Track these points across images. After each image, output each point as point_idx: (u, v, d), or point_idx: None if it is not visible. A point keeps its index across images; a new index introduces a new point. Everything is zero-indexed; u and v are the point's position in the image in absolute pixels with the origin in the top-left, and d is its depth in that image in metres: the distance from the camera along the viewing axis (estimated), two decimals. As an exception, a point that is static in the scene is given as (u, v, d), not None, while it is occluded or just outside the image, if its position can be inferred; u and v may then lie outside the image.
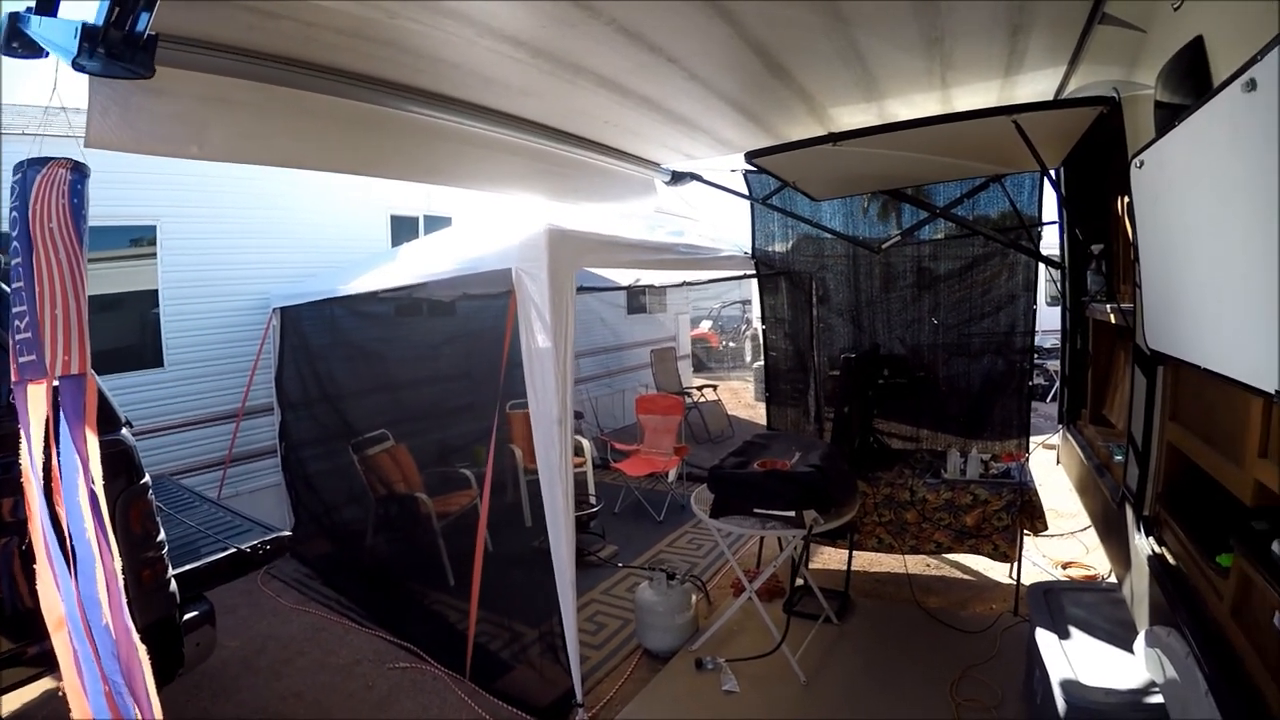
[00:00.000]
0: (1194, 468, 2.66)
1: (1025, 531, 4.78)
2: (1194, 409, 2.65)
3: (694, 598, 4.76)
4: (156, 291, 6.45)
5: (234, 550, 3.75)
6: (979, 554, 4.92)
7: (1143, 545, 2.94)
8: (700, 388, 11.64)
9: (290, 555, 6.12)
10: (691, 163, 5.32)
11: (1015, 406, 5.65)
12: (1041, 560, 5.73)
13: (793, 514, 4.01)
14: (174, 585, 3.24)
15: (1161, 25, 2.45)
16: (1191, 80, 2.13)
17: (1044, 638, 3.29)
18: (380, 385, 6.42)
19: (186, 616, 3.36)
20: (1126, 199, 4.26)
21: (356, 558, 6.22)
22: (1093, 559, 5.71)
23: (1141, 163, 2.48)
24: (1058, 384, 12.25)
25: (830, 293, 5.96)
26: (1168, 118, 2.22)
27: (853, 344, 5.93)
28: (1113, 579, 4.12)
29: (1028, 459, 5.25)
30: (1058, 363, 12.27)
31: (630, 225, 5.88)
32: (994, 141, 3.65)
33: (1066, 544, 6.09)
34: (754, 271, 6.07)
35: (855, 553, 5.27)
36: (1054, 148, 3.85)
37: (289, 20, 2.53)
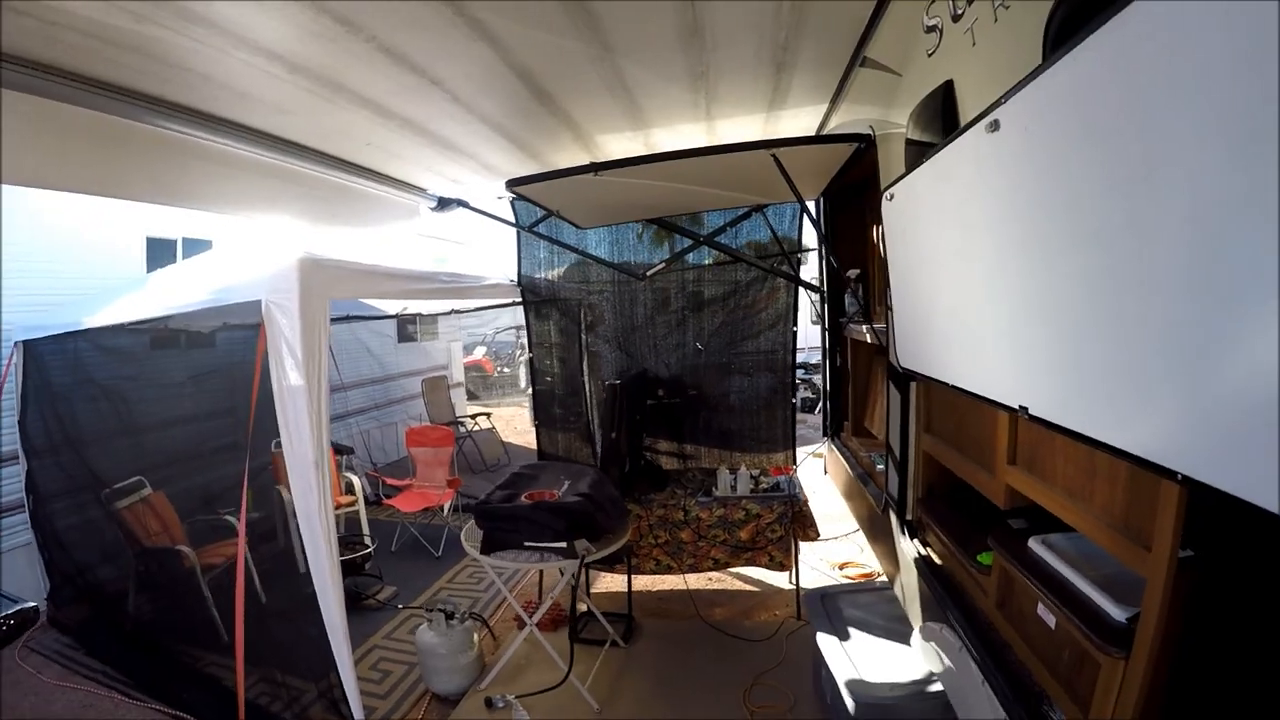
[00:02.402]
0: (949, 474, 2.89)
1: (800, 540, 5.01)
2: (946, 421, 2.89)
3: (476, 636, 4.62)
4: None
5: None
6: (757, 565, 5.11)
7: (909, 548, 3.17)
8: (474, 416, 11.43)
9: (49, 624, 5.58)
10: (458, 188, 5.24)
11: (782, 420, 5.92)
12: (819, 564, 6.04)
13: (564, 545, 3.96)
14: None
15: (916, 69, 2.64)
16: (940, 120, 2.32)
17: (825, 641, 3.45)
18: (134, 427, 5.87)
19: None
20: (880, 228, 4.66)
21: (120, 622, 5.56)
22: (867, 558, 6.08)
23: (892, 195, 2.67)
24: (821, 399, 13.26)
25: (598, 319, 6.01)
26: (917, 154, 2.41)
27: (622, 369, 6.00)
28: (885, 578, 4.40)
29: (796, 471, 5.52)
30: (819, 377, 13.26)
31: (396, 250, 5.71)
32: (756, 174, 3.82)
33: (841, 546, 6.45)
34: (521, 299, 6.03)
35: (637, 575, 5.33)
36: (813, 180, 4.09)
37: (30, 18, 2.29)
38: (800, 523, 4.93)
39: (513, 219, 5.65)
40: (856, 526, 6.21)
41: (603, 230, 5.69)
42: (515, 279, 5.91)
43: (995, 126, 1.68)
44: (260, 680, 4.19)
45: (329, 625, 3.64)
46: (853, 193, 4.85)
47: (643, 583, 5.59)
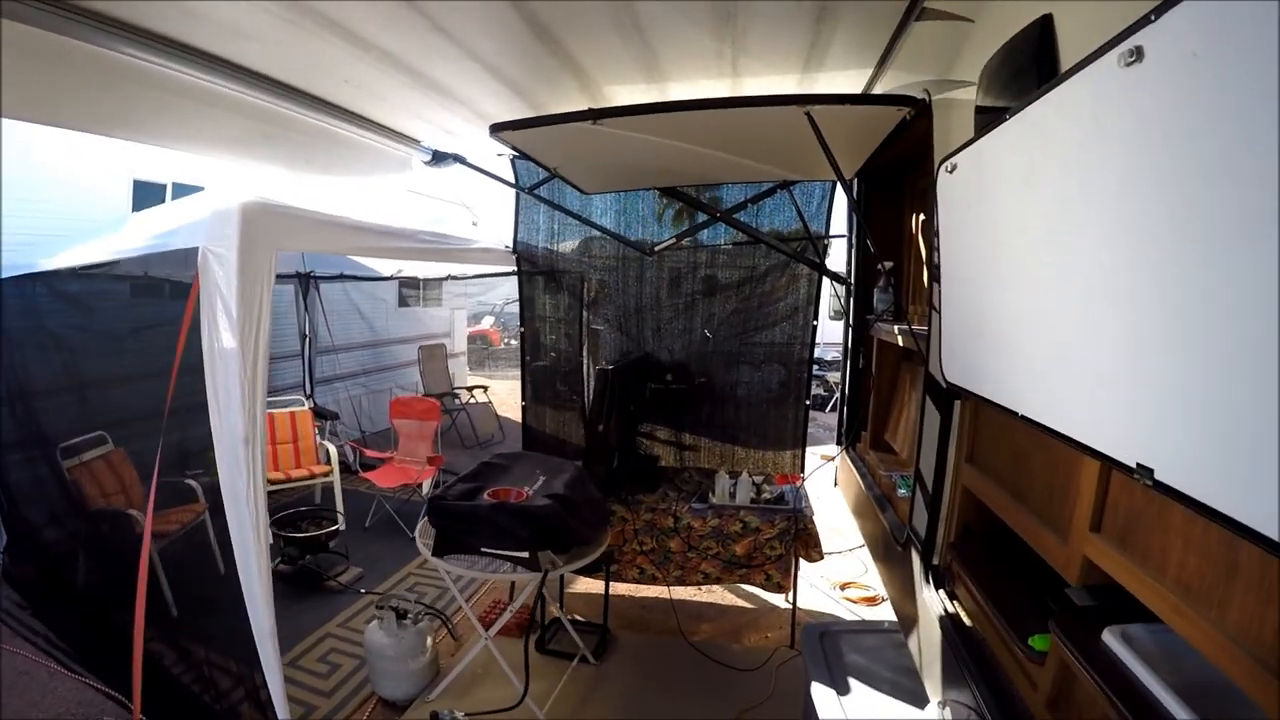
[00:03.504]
0: (992, 516, 2.36)
1: (801, 559, 4.49)
2: (998, 455, 2.34)
3: (430, 640, 4.13)
4: None
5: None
6: (750, 584, 4.63)
7: (932, 599, 2.63)
8: (471, 388, 10.96)
9: (3, 579, 5.36)
10: (454, 141, 4.70)
11: (793, 419, 5.40)
12: (819, 581, 5.55)
13: (526, 555, 3.44)
14: None
15: (993, 11, 2.14)
16: (1034, 66, 1.77)
17: (821, 694, 2.95)
18: (100, 379, 5.49)
19: None
20: (923, 216, 4.11)
21: (68, 586, 5.23)
22: (871, 579, 5.59)
23: (954, 166, 2.14)
24: (836, 395, 12.67)
25: (600, 297, 5.49)
26: (989, 121, 1.87)
27: (621, 352, 5.51)
28: (893, 615, 3.88)
29: (803, 481, 4.98)
30: (837, 374, 12.70)
31: (387, 206, 5.23)
32: (785, 140, 3.27)
33: (844, 561, 5.96)
34: (516, 268, 5.50)
35: (617, 582, 4.83)
36: (849, 154, 3.52)
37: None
38: (803, 541, 4.42)
39: (513, 179, 5.11)
40: (862, 542, 5.71)
41: (609, 199, 5.16)
42: (510, 245, 5.37)
43: (1136, 56, 1.15)
44: (193, 667, 3.83)
45: (256, 629, 3.14)
46: (889, 174, 4.29)
47: (624, 587, 5.07)
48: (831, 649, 3.28)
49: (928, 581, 2.70)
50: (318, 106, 3.78)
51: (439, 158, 4.87)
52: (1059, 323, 1.58)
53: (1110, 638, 1.65)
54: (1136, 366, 1.27)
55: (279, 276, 7.69)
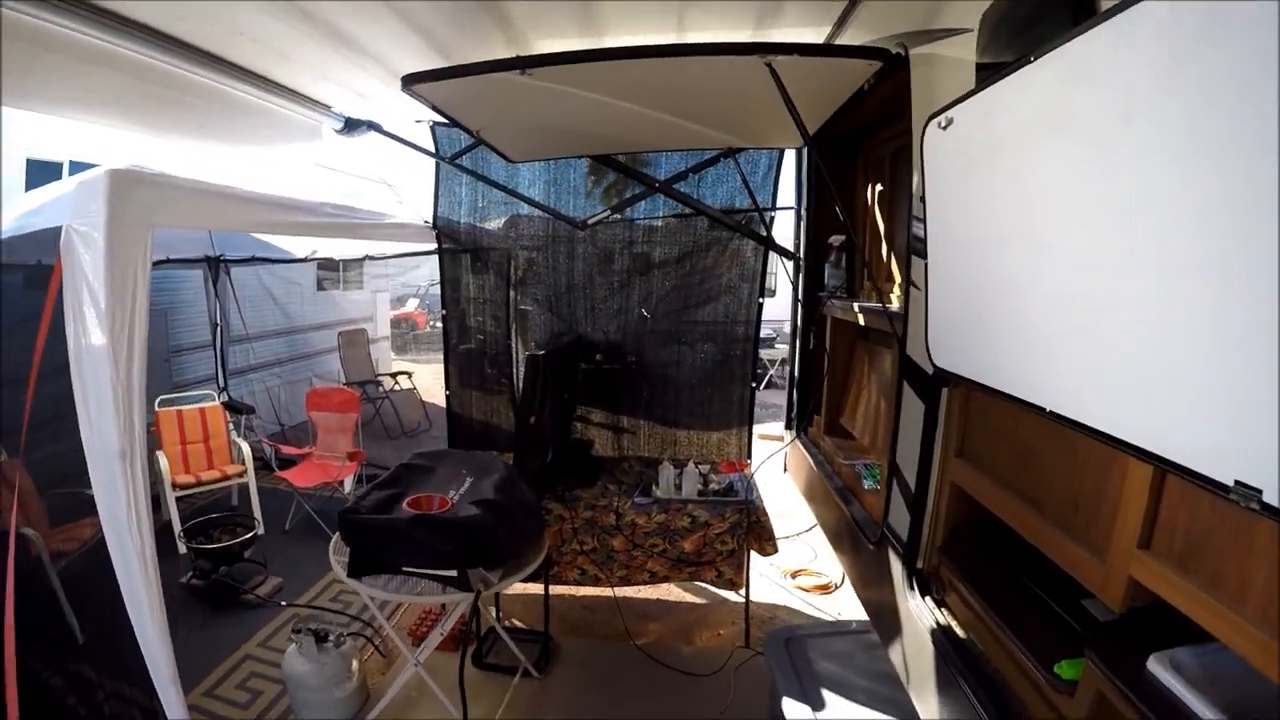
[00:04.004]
0: (986, 518, 2.11)
1: (753, 552, 4.24)
2: (1000, 451, 2.08)
3: (355, 663, 3.76)
4: None
5: None
6: (701, 581, 4.35)
7: (919, 608, 2.37)
8: (395, 374, 10.47)
9: None
10: (367, 106, 4.27)
11: (738, 399, 5.14)
12: (769, 569, 5.31)
13: (454, 574, 3.06)
14: None
15: None
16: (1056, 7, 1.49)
17: (793, 710, 2.70)
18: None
19: None
20: (879, 186, 3.87)
21: None
22: (822, 564, 5.37)
23: (948, 122, 1.87)
24: (770, 372, 12.52)
25: (529, 275, 5.12)
26: (992, 72, 1.60)
27: (552, 334, 5.16)
28: (860, 612, 3.67)
29: (754, 471, 4.71)
30: (772, 352, 12.54)
31: (295, 181, 4.80)
32: (735, 101, 2.98)
33: (792, 547, 5.72)
34: (436, 246, 5.10)
35: (556, 584, 4.51)
36: (805, 119, 3.23)
37: None
38: (755, 535, 4.16)
39: (433, 148, 4.71)
40: (810, 524, 5.49)
41: (538, 170, 4.78)
42: (430, 221, 4.97)
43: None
44: (107, 700, 3.43)
45: (151, 666, 2.80)
46: (841, 143, 4.02)
47: (565, 586, 4.74)
48: (799, 656, 3.04)
49: (911, 588, 2.44)
50: (209, 63, 3.33)
51: (352, 125, 4.46)
52: (1105, 305, 1.31)
53: (1158, 667, 1.40)
54: (1235, 364, 1.01)
55: (186, 261, 7.32)
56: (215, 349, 8.39)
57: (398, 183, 5.33)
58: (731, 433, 5.13)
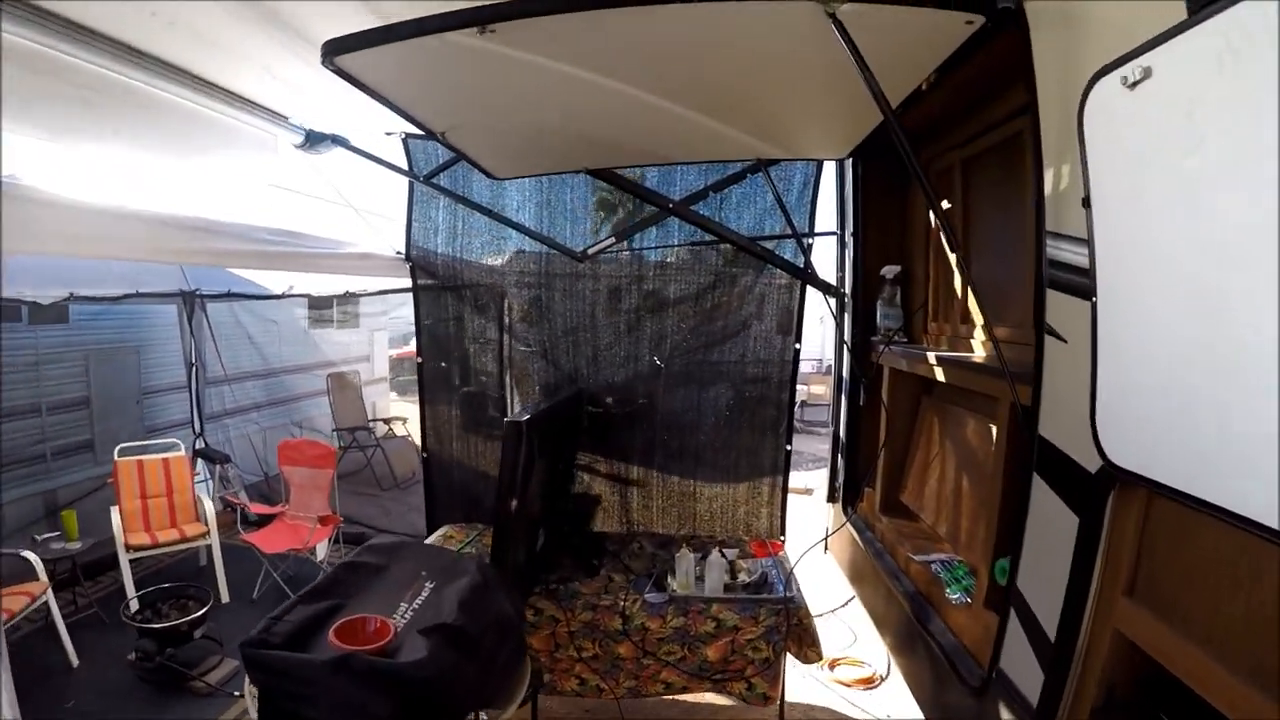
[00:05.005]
0: (1169, 683, 1.33)
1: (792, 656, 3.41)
2: (1217, 605, 1.29)
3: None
4: None
5: None
6: (726, 694, 3.51)
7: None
8: (389, 420, 9.71)
9: None
10: (331, 117, 3.64)
11: (770, 461, 4.27)
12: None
13: None
14: None
15: None
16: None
17: None
18: None
19: None
20: (943, 204, 3.12)
21: None
22: (863, 649, 4.50)
23: (1141, 74, 1.17)
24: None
25: (523, 316, 4.33)
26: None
27: (545, 387, 4.39)
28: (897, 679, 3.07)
29: (786, 554, 3.87)
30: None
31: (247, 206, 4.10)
32: (776, 84, 2.25)
33: (828, 626, 4.83)
34: (411, 281, 4.35)
35: (550, 694, 3.64)
36: (852, 116, 2.49)
37: None
38: (795, 638, 3.33)
39: (405, 166, 4.00)
40: (849, 596, 4.62)
41: (528, 189, 4.05)
42: (403, 251, 4.22)
43: None
44: None
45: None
46: (888, 154, 3.29)
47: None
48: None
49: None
50: (133, 59, 2.67)
51: (314, 140, 3.85)
52: None
53: None
54: None
55: (157, 295, 6.66)
56: (190, 391, 7.65)
57: (366, 206, 4.58)
58: (761, 504, 4.29)
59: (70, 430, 5.97)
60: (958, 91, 2.23)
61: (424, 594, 2.53)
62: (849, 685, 4.30)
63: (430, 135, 2.70)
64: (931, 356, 2.68)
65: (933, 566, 2.71)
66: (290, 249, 3.58)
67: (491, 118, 2.65)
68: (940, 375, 2.64)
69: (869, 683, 4.30)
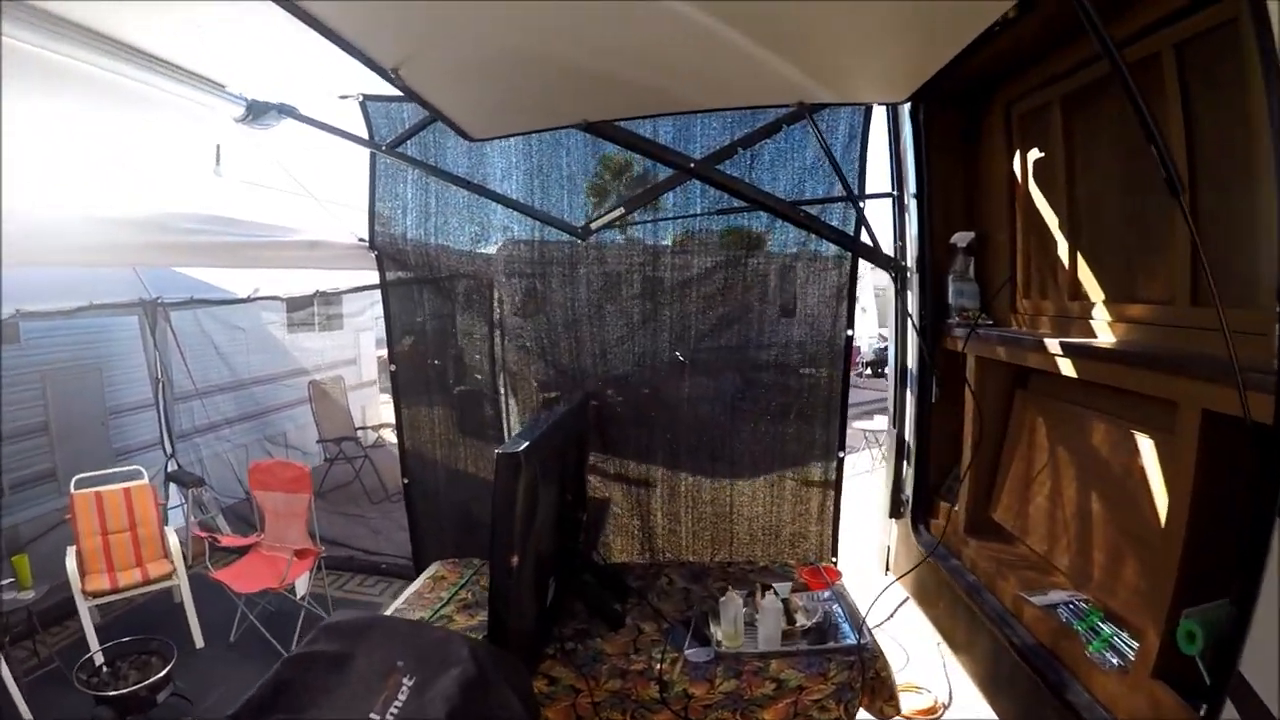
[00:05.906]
0: None
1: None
2: None
3: None
4: None
5: None
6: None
7: None
8: (377, 427, 9.14)
9: None
10: (278, 86, 3.14)
11: (820, 472, 3.66)
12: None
13: None
14: None
15: None
16: None
17: None
18: None
19: None
20: (1032, 154, 2.48)
21: None
22: (918, 672, 3.90)
23: None
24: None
25: (508, 308, 3.68)
26: None
27: (544, 401, 3.73)
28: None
29: (840, 573, 3.26)
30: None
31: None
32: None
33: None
34: (378, 274, 3.70)
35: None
36: (914, 51, 1.92)
37: None
38: (870, 691, 2.71)
39: (366, 133, 3.39)
40: (903, 597, 4.04)
41: (514, 154, 3.38)
42: (365, 238, 3.57)
43: None
44: None
45: None
46: (960, 100, 2.68)
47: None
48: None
49: None
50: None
51: (257, 110, 3.30)
52: None
53: None
54: None
55: (114, 306, 6.12)
56: (159, 408, 7.04)
57: (330, 197, 3.95)
58: (810, 522, 3.65)
59: (29, 460, 5.50)
60: (1061, 7, 1.63)
61: (402, 695, 1.88)
62: (908, 719, 3.71)
63: (377, 70, 2.00)
64: (1053, 344, 2.04)
65: (1058, 610, 2.10)
66: (219, 239, 2.95)
67: (459, 48, 1.96)
68: (1070, 368, 2.01)
69: (931, 714, 3.71)
